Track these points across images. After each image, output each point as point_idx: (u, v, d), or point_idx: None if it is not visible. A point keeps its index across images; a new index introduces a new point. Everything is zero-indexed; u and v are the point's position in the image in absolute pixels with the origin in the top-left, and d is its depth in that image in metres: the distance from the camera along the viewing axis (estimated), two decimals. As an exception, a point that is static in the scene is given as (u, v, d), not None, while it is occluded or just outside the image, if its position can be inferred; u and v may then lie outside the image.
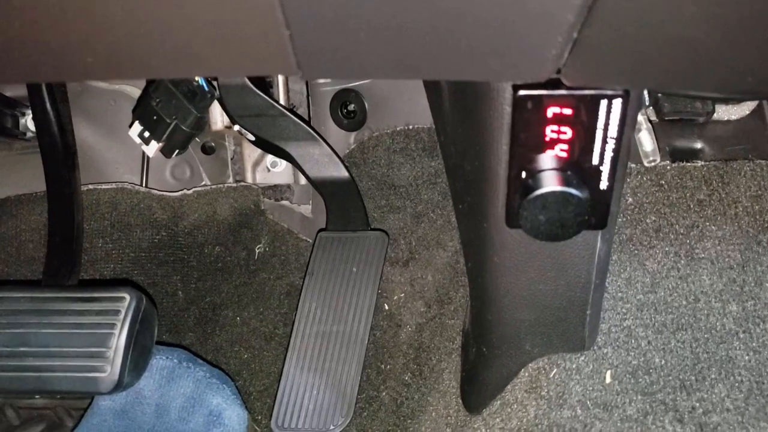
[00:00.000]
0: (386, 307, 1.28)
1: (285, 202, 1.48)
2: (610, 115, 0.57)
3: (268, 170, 1.47)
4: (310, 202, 1.47)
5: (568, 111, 0.57)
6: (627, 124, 0.58)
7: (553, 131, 0.58)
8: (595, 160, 0.60)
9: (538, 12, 0.44)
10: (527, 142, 0.59)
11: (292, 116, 1.26)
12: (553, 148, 0.59)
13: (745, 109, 1.11)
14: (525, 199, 0.60)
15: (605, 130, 0.58)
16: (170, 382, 1.09)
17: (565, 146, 0.59)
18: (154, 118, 1.30)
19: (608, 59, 0.50)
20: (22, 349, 1.01)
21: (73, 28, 0.48)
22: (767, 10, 0.43)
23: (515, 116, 0.58)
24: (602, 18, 0.44)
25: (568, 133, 0.58)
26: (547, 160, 0.60)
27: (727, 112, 1.12)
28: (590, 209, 0.61)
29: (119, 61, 0.53)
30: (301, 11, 0.45)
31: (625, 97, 0.56)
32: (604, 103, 0.56)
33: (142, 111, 1.33)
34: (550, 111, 0.57)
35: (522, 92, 0.56)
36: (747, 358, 0.88)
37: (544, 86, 0.56)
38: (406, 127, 1.35)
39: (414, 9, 0.44)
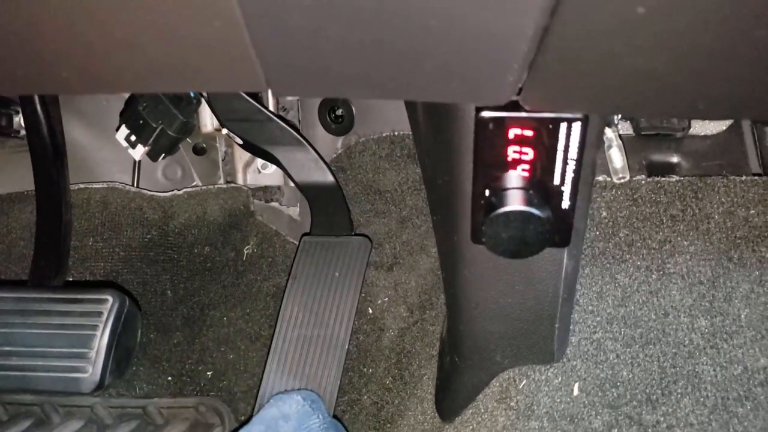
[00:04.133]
0: (370, 311, 1.29)
1: (275, 204, 1.49)
2: (570, 137, 0.58)
3: (259, 172, 1.48)
4: (299, 204, 1.48)
5: (529, 133, 0.57)
6: (588, 145, 0.59)
7: (515, 152, 0.59)
8: (557, 181, 0.61)
9: (494, 40, 0.45)
10: (490, 162, 0.60)
11: (279, 121, 1.27)
12: (515, 168, 0.60)
13: (722, 125, 1.11)
14: (488, 216, 0.61)
15: (566, 151, 0.59)
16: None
17: (527, 166, 0.60)
18: (141, 122, 1.32)
19: (563, 86, 0.51)
20: (5, 348, 1.03)
21: (48, 44, 0.49)
22: (713, 40, 0.44)
23: (478, 136, 0.59)
24: (555, 47, 0.45)
25: (529, 153, 0.59)
26: (510, 179, 0.61)
27: (704, 127, 1.12)
28: (552, 228, 0.62)
29: (94, 76, 0.54)
30: (264, 34, 0.46)
31: (585, 120, 0.57)
32: (563, 125, 0.57)
33: (128, 115, 1.34)
34: (512, 132, 0.58)
35: (484, 113, 0.57)
36: (713, 373, 0.89)
37: (507, 108, 0.57)
38: (393, 134, 1.36)
39: (378, 35, 0.45)
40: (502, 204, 0.61)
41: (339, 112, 1.41)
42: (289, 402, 1.10)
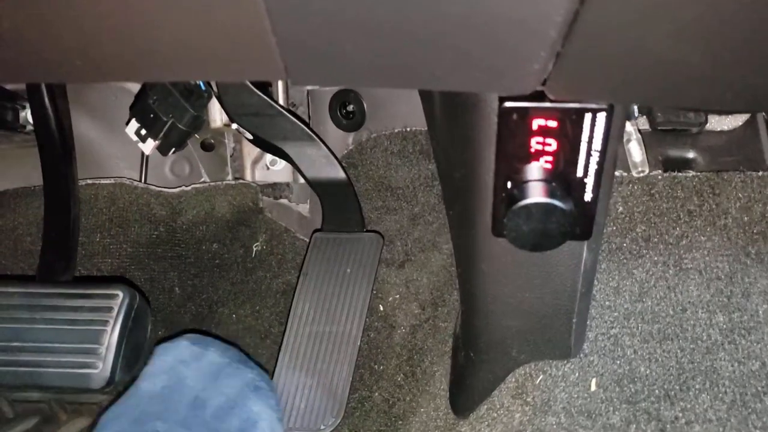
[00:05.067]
0: (381, 308, 1.28)
1: (283, 201, 1.48)
2: (594, 128, 0.57)
3: (268, 168, 1.47)
4: (308, 201, 1.48)
5: (553, 123, 0.57)
6: (612, 137, 0.58)
7: (538, 143, 0.58)
8: (580, 172, 0.60)
9: (521, 27, 0.44)
10: (513, 153, 0.59)
11: (290, 116, 1.26)
12: (538, 160, 0.59)
13: (738, 120, 1.11)
14: (510, 209, 0.61)
15: (590, 143, 0.58)
16: (217, 378, 1.07)
17: (549, 158, 0.59)
18: (151, 116, 1.31)
19: (590, 74, 0.50)
20: (15, 344, 1.02)
21: (62, 32, 0.49)
22: (742, 29, 0.43)
23: (501, 127, 0.58)
24: (583, 35, 0.44)
25: (552, 145, 0.58)
26: (532, 171, 0.60)
27: (720, 123, 1.12)
28: (575, 220, 0.61)
29: (108, 64, 0.54)
30: (286, 20, 0.45)
31: (610, 111, 0.56)
32: (588, 116, 0.56)
33: (139, 108, 1.33)
34: (536, 123, 0.57)
35: (508, 104, 0.56)
36: (731, 369, 0.88)
37: (530, 98, 0.56)
38: (404, 130, 1.35)
39: (400, 21, 0.44)
40: (524, 196, 0.60)
41: (350, 107, 1.40)
42: (178, 348, 1.09)
